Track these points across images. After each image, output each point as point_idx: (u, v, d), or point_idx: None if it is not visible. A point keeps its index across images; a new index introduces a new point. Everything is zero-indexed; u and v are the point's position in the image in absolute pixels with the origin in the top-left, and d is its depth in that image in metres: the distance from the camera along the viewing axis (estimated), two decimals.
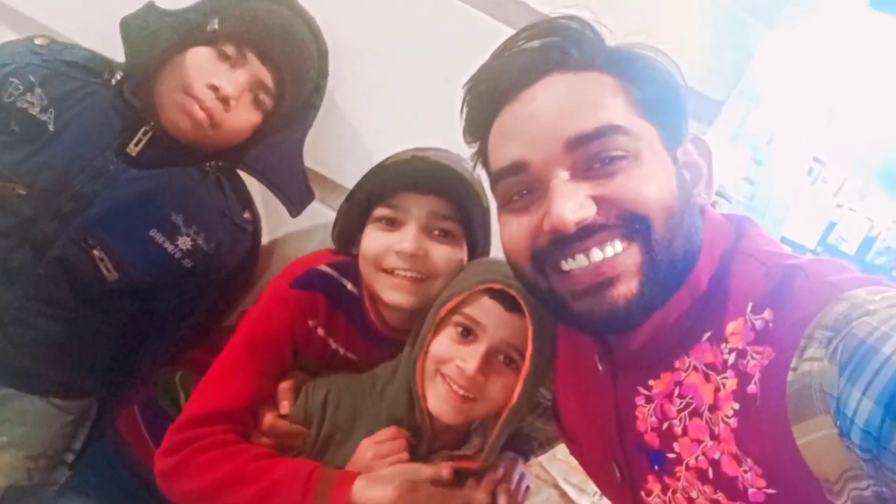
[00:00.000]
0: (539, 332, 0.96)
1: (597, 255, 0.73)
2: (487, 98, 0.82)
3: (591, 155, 0.73)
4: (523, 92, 0.78)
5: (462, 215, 1.07)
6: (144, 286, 1.21)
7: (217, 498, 1.01)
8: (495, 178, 0.82)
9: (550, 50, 0.78)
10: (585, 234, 0.73)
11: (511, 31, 1.30)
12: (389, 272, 1.07)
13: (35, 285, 1.15)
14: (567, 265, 0.75)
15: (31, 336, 1.18)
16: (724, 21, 1.31)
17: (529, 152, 0.76)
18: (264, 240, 1.42)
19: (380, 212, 1.08)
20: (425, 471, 1.02)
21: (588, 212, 0.73)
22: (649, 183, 0.73)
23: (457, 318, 0.99)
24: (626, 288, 0.73)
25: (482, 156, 0.87)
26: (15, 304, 1.16)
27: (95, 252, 1.14)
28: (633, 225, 0.73)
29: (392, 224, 1.08)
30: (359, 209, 1.12)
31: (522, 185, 0.78)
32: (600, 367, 0.86)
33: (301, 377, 1.14)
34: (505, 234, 0.82)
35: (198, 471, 1.02)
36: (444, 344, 1.00)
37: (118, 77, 1.15)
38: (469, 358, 0.97)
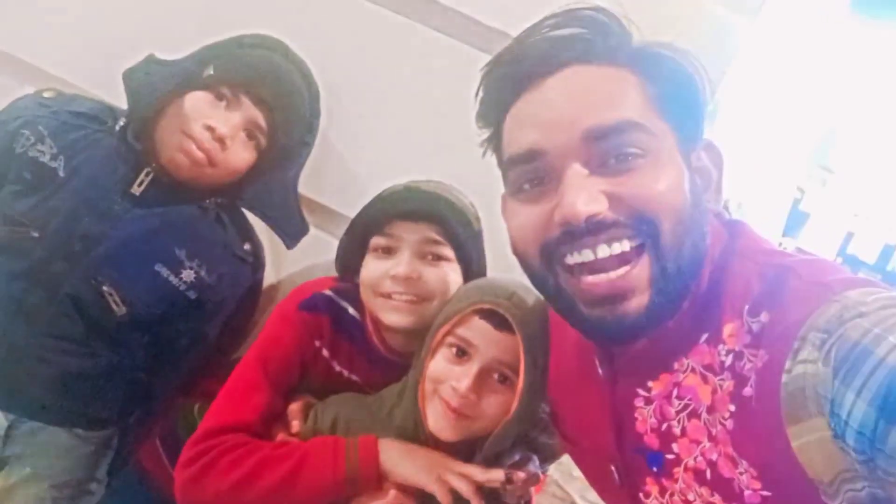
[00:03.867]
0: (531, 348, 1.00)
1: (603, 250, 0.73)
2: (507, 82, 0.80)
3: (607, 150, 0.73)
4: (544, 80, 0.76)
5: (454, 239, 1.13)
6: (154, 319, 1.28)
7: (247, 490, 1.04)
8: (508, 165, 0.80)
9: (575, 40, 0.77)
10: (595, 230, 0.72)
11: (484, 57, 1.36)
12: (387, 296, 1.13)
13: (50, 323, 1.22)
14: (572, 259, 0.75)
15: (51, 371, 1.25)
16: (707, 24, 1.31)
17: (546, 140, 0.74)
18: (272, 274, 1.49)
19: (376, 241, 1.14)
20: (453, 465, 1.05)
21: (600, 206, 0.72)
22: (662, 185, 0.72)
23: (450, 339, 1.03)
24: (638, 301, 0.73)
25: (494, 142, 0.85)
26: (33, 341, 1.23)
27: (105, 288, 1.21)
28: (642, 226, 0.72)
29: (388, 252, 1.14)
30: (357, 240, 1.18)
31: (535, 174, 0.77)
32: (601, 371, 0.88)
33: (308, 399, 1.19)
34: (513, 224, 0.81)
35: (222, 471, 1.06)
36: (439, 365, 1.04)
37: (121, 123, 1.23)
38: (462, 378, 1.00)
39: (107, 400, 1.32)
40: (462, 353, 1.03)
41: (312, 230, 1.42)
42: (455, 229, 1.12)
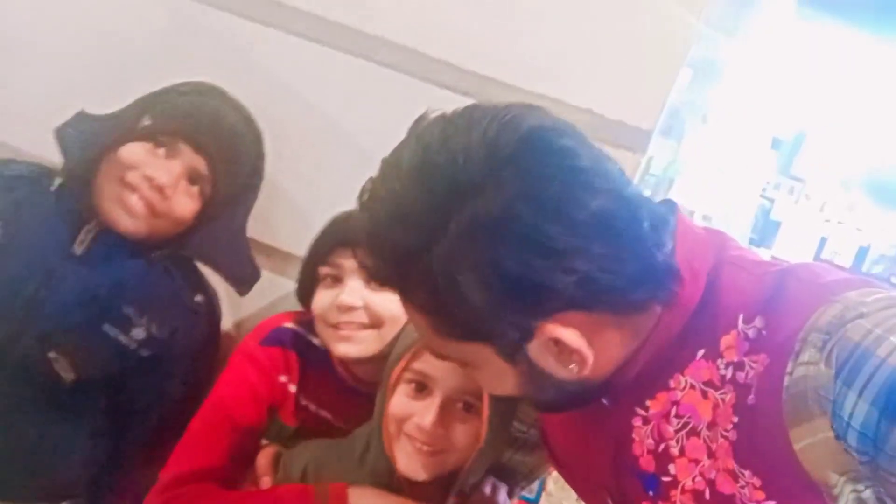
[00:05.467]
0: None
1: None
2: None
3: None
4: None
5: None
6: (108, 380, 1.23)
7: None
8: None
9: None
10: None
11: (445, 93, 1.34)
12: (336, 327, 1.11)
13: (2, 392, 1.17)
14: None
15: (10, 444, 1.19)
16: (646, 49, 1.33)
17: None
18: (229, 320, 1.45)
19: (322, 270, 1.13)
20: None
21: None
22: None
23: (407, 374, 1.00)
24: None
25: None
26: None
27: (51, 354, 1.16)
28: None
29: (336, 281, 1.12)
30: (307, 271, 1.17)
31: None
32: (604, 401, 0.84)
33: (277, 450, 1.15)
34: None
35: None
36: (400, 402, 1.00)
37: (57, 182, 1.20)
38: (425, 413, 0.97)
39: (69, 469, 1.26)
40: (422, 388, 0.99)
41: (270, 275, 1.40)
42: None
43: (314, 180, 1.46)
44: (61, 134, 1.18)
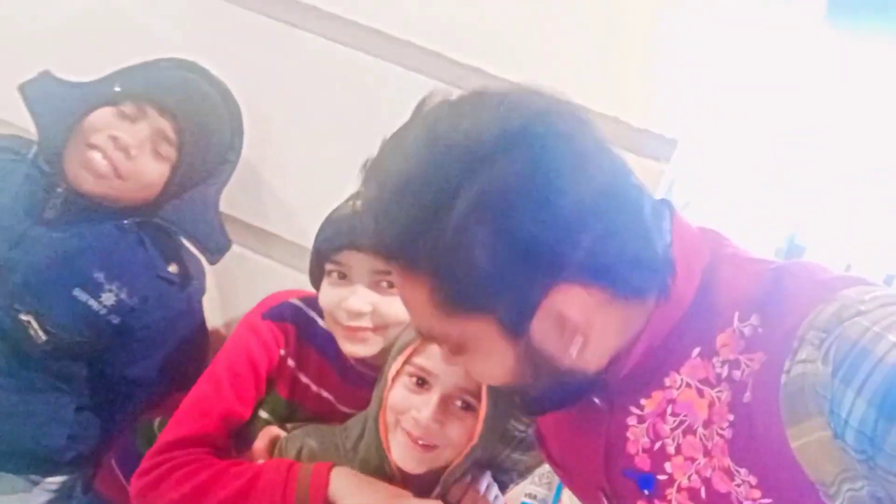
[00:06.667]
0: None
1: None
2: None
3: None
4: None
5: None
6: (85, 348, 1.24)
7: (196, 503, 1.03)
8: None
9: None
10: None
11: (416, 77, 1.37)
12: (343, 326, 1.10)
13: None
14: None
15: None
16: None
17: None
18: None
19: (329, 267, 1.11)
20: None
21: None
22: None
23: (408, 368, 1.00)
24: None
25: None
26: None
27: (22, 316, 1.18)
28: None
29: (343, 278, 1.10)
30: (315, 263, 1.15)
31: None
32: (596, 400, 0.83)
33: (274, 434, 1.15)
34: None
35: (175, 483, 1.04)
36: (400, 395, 1.00)
37: (34, 150, 1.24)
38: (423, 407, 0.97)
39: (54, 440, 1.27)
40: (422, 382, 0.99)
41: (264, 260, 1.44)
42: None
43: (301, 167, 1.48)
44: (28, 95, 1.21)
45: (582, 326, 0.69)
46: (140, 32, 1.49)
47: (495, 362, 0.73)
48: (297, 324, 1.18)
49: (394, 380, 1.01)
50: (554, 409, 0.86)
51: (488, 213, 0.63)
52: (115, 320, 1.23)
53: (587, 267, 0.66)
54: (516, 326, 0.69)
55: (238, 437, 1.16)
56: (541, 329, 0.69)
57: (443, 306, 0.69)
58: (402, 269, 0.71)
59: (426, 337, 0.80)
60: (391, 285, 1.07)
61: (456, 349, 0.75)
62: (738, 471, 0.68)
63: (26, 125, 1.25)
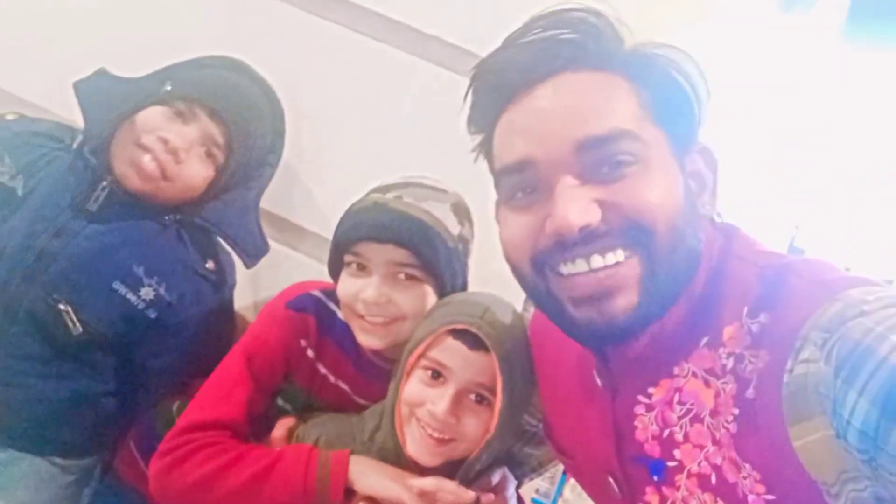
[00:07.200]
0: (507, 367, 0.97)
1: (597, 261, 0.71)
2: (496, 91, 0.78)
3: (600, 158, 0.71)
4: (535, 88, 0.75)
5: (423, 261, 1.08)
6: (116, 339, 1.25)
7: (215, 485, 1.05)
8: (500, 174, 0.79)
9: (565, 46, 0.75)
10: (588, 240, 0.71)
11: (442, 72, 1.36)
12: (360, 317, 1.11)
13: (12, 343, 1.20)
14: (566, 269, 0.73)
15: (22, 396, 1.22)
16: None
17: (537, 151, 0.73)
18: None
19: (348, 258, 1.12)
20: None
21: (593, 217, 0.70)
22: (655, 191, 0.71)
23: (424, 361, 1.01)
24: (626, 300, 0.71)
25: (485, 147, 0.84)
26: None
27: (61, 307, 1.19)
28: (636, 235, 0.71)
29: (362, 269, 1.11)
30: (334, 254, 1.17)
31: (527, 184, 0.75)
32: (599, 382, 0.85)
33: (291, 424, 1.17)
34: (505, 232, 0.80)
35: (195, 465, 1.07)
36: (415, 388, 1.01)
37: (79, 140, 1.23)
38: (438, 401, 0.98)
39: (79, 425, 1.29)
40: (437, 376, 1.00)
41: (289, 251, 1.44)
42: (424, 251, 1.07)
43: (339, 165, 1.49)
44: (81, 90, 1.21)
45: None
46: (179, 28, 1.50)
47: (664, 185, 0.72)
48: (318, 315, 1.20)
49: (409, 373, 1.02)
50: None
51: None
52: (152, 315, 1.25)
53: None
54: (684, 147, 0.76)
55: (255, 426, 1.18)
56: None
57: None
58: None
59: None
60: (409, 277, 1.09)
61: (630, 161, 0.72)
62: (743, 465, 0.69)
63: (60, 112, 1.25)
